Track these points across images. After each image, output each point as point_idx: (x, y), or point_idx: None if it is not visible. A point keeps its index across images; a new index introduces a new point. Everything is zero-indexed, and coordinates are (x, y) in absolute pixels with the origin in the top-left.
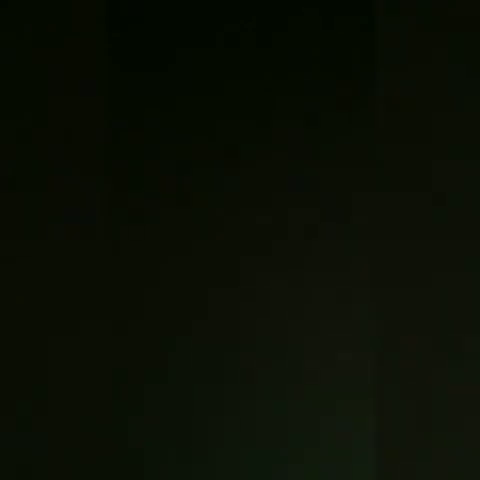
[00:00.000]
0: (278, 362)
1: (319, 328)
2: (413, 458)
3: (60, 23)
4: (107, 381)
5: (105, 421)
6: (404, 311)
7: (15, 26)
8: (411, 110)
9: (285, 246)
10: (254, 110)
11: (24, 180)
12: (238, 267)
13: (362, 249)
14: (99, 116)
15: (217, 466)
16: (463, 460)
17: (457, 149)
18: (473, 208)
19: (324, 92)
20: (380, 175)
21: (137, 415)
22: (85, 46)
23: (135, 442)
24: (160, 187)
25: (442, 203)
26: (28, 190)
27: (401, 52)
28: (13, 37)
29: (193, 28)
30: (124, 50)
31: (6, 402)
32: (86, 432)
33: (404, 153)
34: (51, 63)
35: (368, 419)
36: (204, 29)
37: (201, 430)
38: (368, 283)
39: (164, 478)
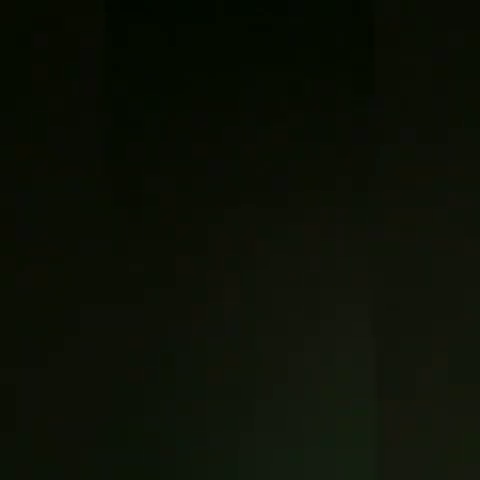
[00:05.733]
0: (278, 362)
1: (319, 327)
2: (413, 458)
3: (60, 21)
4: (107, 382)
5: (104, 422)
6: (404, 311)
7: (15, 25)
8: (411, 111)
9: (285, 247)
10: (253, 110)
11: (25, 179)
12: (237, 265)
13: (362, 249)
14: (99, 115)
15: (216, 464)
16: (463, 459)
17: (457, 148)
18: (474, 209)
19: (323, 92)
20: (380, 173)
21: (137, 417)
22: (85, 45)
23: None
24: (160, 187)
25: (443, 202)
26: (29, 189)
27: (400, 51)
28: (13, 36)
29: (193, 27)
30: (123, 50)
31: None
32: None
33: (404, 153)
34: (51, 62)
35: (368, 419)
36: (204, 29)
37: (200, 428)
38: (368, 283)
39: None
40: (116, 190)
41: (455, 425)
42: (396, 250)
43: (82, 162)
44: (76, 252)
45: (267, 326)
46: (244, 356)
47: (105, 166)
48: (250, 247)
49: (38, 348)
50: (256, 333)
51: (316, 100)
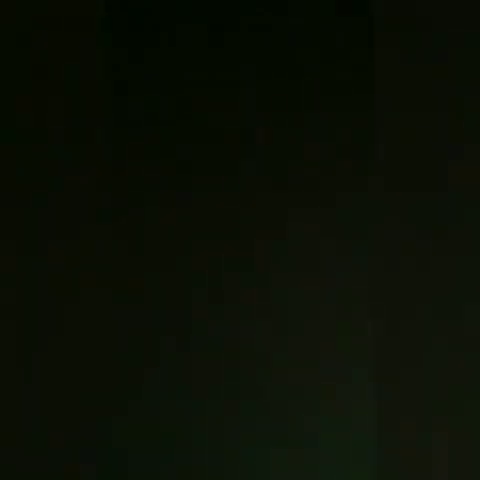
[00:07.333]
0: (278, 362)
1: (318, 326)
2: (413, 457)
3: (60, 21)
4: (106, 383)
5: (102, 423)
6: (404, 311)
7: (15, 25)
8: (411, 112)
9: (285, 247)
10: (253, 110)
11: (26, 179)
12: (237, 265)
13: (362, 249)
14: (99, 115)
15: (215, 465)
16: (463, 457)
17: (458, 148)
18: (474, 208)
19: (323, 92)
20: (379, 175)
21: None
22: (85, 45)
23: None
24: (160, 187)
25: (443, 202)
26: (28, 189)
27: (399, 53)
28: (13, 36)
29: (193, 27)
30: (123, 50)
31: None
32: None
33: (404, 153)
34: (51, 62)
35: (368, 420)
36: (204, 29)
37: (200, 428)
38: (368, 281)
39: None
40: (116, 190)
41: (455, 423)
42: (396, 250)
43: (82, 162)
44: (76, 252)
45: (267, 325)
46: (243, 355)
47: (105, 166)
48: (249, 247)
49: (38, 347)
50: (256, 332)
51: (316, 100)
